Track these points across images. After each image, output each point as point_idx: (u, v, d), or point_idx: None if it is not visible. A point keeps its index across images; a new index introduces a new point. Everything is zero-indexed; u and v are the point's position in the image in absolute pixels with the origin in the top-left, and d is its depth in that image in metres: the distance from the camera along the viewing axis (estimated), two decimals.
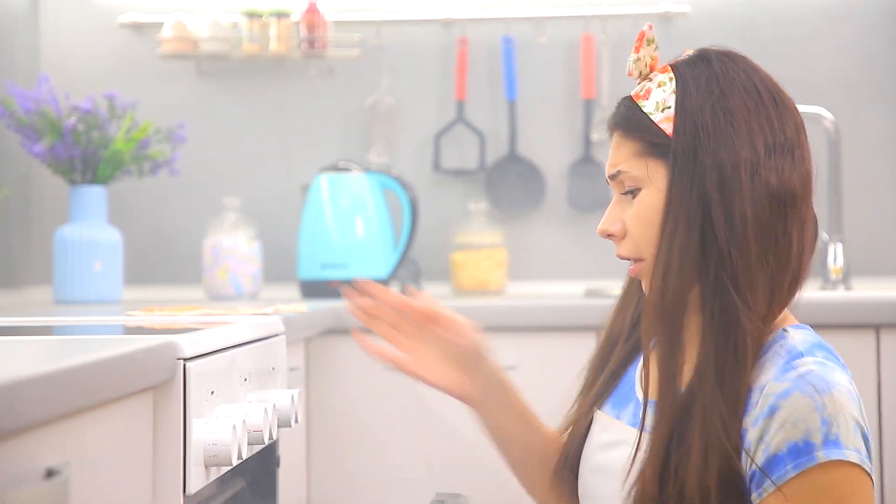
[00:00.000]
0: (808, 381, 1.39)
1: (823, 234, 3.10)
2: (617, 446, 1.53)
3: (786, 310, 1.51)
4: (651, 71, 1.53)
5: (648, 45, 1.53)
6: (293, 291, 3.15)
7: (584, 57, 3.18)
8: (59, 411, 1.09)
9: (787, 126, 1.48)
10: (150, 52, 3.24)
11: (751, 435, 1.40)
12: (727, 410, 1.40)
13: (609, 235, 1.53)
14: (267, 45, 3.17)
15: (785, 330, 1.47)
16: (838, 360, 1.47)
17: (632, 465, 1.46)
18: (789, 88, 3.48)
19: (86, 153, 2.83)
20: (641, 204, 1.49)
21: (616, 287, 2.99)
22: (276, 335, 1.92)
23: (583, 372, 1.65)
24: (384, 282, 3.03)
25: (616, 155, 1.52)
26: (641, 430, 1.47)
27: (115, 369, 1.24)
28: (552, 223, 3.25)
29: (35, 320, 2.14)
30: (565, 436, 1.64)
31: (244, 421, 1.53)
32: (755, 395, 1.41)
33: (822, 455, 1.36)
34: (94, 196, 2.86)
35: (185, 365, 1.43)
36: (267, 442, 1.64)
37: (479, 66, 3.25)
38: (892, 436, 2.52)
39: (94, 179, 2.86)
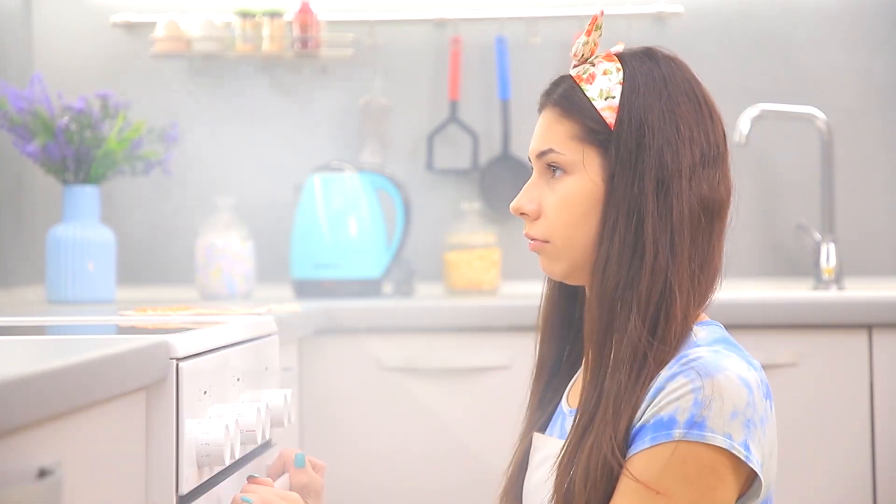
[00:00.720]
0: (693, 366, 1.41)
1: (816, 234, 3.10)
2: (548, 460, 1.53)
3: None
4: (592, 55, 1.55)
5: (597, 30, 1.56)
6: (286, 291, 3.14)
7: None
8: (52, 411, 1.09)
9: (719, 140, 1.52)
10: (142, 52, 3.23)
11: (635, 419, 1.42)
12: (620, 420, 1.41)
13: (522, 214, 1.54)
14: (260, 45, 3.17)
15: (690, 328, 1.48)
16: (741, 351, 1.48)
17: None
18: (782, 88, 3.49)
19: (78, 153, 2.83)
20: (567, 189, 1.50)
21: None
22: (269, 335, 1.92)
23: (528, 398, 1.65)
24: (377, 282, 3.03)
25: (548, 132, 1.52)
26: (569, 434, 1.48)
27: (108, 369, 1.24)
28: None
29: (28, 320, 2.14)
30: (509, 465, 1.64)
31: (237, 421, 1.53)
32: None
33: (679, 433, 1.38)
34: (86, 196, 2.85)
35: (177, 365, 1.43)
36: (260, 442, 1.64)
37: (473, 66, 3.25)
38: (883, 435, 2.53)
39: (87, 179, 2.85)
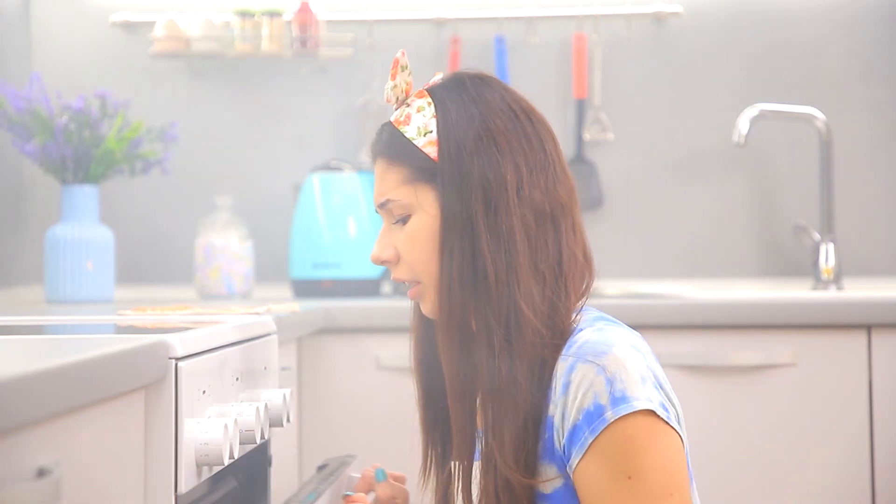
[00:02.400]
0: (585, 350, 1.45)
1: (815, 234, 3.10)
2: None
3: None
4: (407, 96, 1.58)
5: (403, 70, 1.59)
6: (285, 291, 3.14)
7: (575, 57, 3.18)
8: (50, 410, 1.09)
9: (545, 142, 1.53)
10: (141, 52, 3.23)
11: (556, 418, 1.45)
12: (512, 435, 1.44)
13: (383, 262, 1.57)
14: (259, 45, 3.17)
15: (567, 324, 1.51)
16: (619, 324, 1.51)
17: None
18: (781, 88, 3.49)
19: (77, 152, 2.82)
20: (412, 228, 1.53)
21: (609, 286, 2.99)
22: (268, 335, 1.92)
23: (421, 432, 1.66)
24: (376, 281, 3.03)
25: (382, 183, 1.56)
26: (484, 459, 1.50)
27: (107, 368, 1.23)
28: None
29: (26, 319, 2.14)
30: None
31: (236, 420, 1.53)
32: (553, 383, 1.46)
33: (610, 414, 1.40)
34: (85, 195, 2.85)
35: (176, 364, 1.43)
36: (259, 441, 1.64)
37: (471, 66, 3.25)
38: (882, 435, 2.52)
39: (86, 179, 2.85)
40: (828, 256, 3.08)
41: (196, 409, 1.48)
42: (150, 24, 3.21)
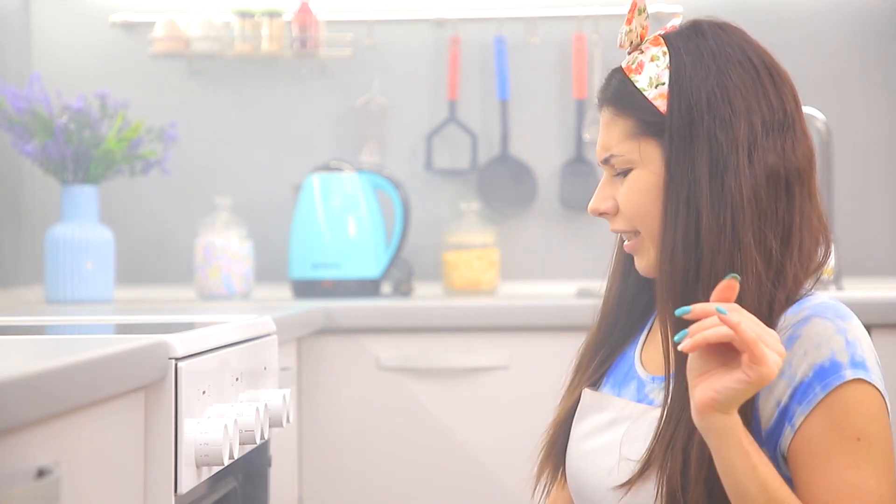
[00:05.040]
0: (825, 307, 1.39)
1: None
2: (618, 423, 1.47)
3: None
4: (642, 41, 1.49)
5: (640, 14, 1.49)
6: (285, 291, 3.14)
7: (575, 57, 3.18)
8: (50, 411, 1.09)
9: (786, 101, 1.44)
10: (141, 52, 3.23)
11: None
12: None
13: (601, 214, 1.49)
14: (259, 45, 3.17)
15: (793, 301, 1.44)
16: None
17: (656, 438, 1.40)
18: None
19: (77, 152, 2.83)
20: (633, 182, 1.45)
21: None
22: (268, 335, 1.92)
23: (579, 353, 1.59)
24: (376, 282, 3.03)
25: (607, 135, 1.47)
26: (665, 404, 1.41)
27: (107, 369, 1.23)
28: (544, 223, 3.25)
29: (26, 320, 2.14)
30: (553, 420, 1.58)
31: (236, 420, 1.53)
32: None
33: (849, 373, 1.35)
34: (85, 195, 2.85)
35: (176, 364, 1.43)
36: (258, 442, 1.64)
37: (472, 66, 3.25)
38: None
39: (86, 179, 2.85)
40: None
41: (196, 409, 1.48)
42: (150, 24, 3.21)
